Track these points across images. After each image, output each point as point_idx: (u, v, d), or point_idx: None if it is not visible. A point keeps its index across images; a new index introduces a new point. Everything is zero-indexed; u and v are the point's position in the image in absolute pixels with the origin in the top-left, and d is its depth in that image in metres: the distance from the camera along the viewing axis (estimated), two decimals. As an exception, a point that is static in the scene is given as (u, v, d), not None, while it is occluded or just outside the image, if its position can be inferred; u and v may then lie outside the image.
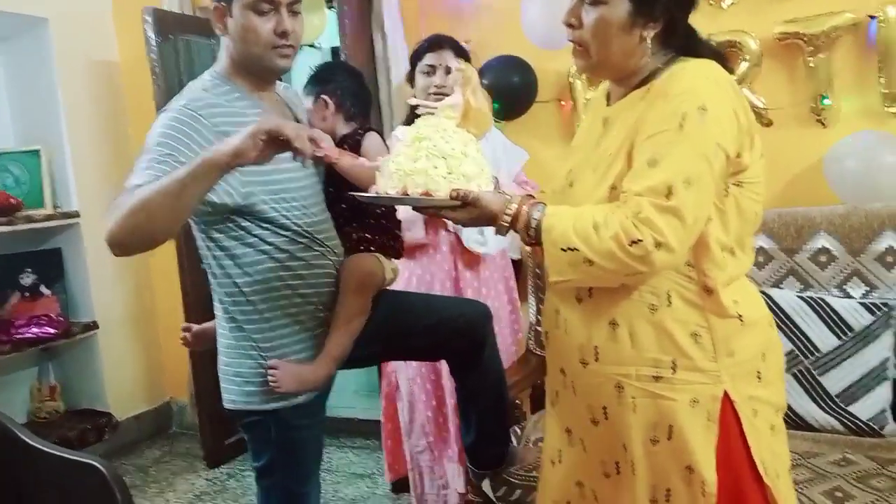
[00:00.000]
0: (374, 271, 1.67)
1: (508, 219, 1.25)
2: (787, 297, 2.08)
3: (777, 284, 2.17)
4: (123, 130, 3.53)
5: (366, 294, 1.65)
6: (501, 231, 1.27)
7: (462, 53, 2.28)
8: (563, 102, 2.76)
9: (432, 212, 1.32)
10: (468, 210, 1.26)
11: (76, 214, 3.30)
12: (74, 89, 3.32)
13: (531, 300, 2.52)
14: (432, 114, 1.38)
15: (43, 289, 3.29)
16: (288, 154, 1.45)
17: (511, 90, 2.68)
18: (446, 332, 1.78)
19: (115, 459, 3.35)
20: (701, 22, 1.31)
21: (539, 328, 2.39)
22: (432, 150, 1.28)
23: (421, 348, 1.85)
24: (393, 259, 1.77)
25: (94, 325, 3.35)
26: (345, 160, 1.53)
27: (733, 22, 2.45)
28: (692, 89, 1.17)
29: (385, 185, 1.31)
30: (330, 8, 2.85)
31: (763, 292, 2.02)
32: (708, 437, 1.22)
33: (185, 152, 1.36)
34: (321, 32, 2.97)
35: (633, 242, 1.12)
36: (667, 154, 1.14)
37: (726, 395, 1.23)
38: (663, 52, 1.27)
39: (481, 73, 2.68)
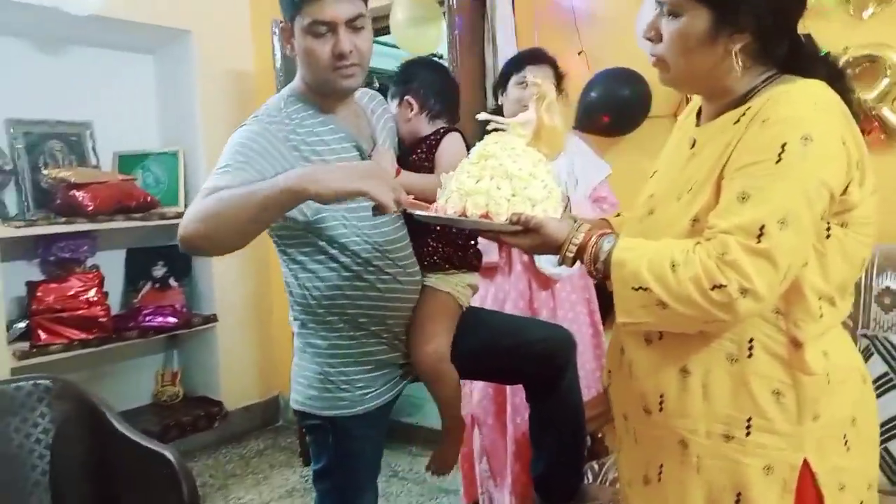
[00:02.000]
0: (448, 311, 1.67)
1: (574, 249, 1.18)
2: None
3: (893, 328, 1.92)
4: (253, 135, 3.71)
5: (448, 331, 1.66)
6: (567, 262, 1.20)
7: (560, 73, 2.27)
8: (679, 117, 2.57)
9: (491, 236, 1.27)
10: (530, 236, 1.20)
11: (204, 213, 3.51)
12: (211, 96, 3.56)
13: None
14: (503, 130, 1.33)
15: (172, 281, 3.54)
16: None
17: (622, 103, 2.57)
18: (527, 356, 1.73)
19: (221, 447, 3.56)
20: (838, 34, 1.19)
21: None
22: (497, 170, 1.23)
23: (499, 369, 1.80)
24: (472, 273, 1.74)
25: (213, 318, 3.57)
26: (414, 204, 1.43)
27: (874, 34, 2.19)
28: (795, 116, 1.04)
29: (444, 204, 1.27)
30: (446, 19, 2.86)
31: (887, 340, 1.86)
32: None
33: (261, 162, 1.38)
34: (437, 44, 2.98)
35: (716, 287, 1.02)
36: (761, 189, 1.03)
37: (807, 464, 1.10)
38: (763, 69, 1.14)
39: (591, 84, 2.62)
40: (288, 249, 1.53)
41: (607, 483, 1.98)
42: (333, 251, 1.50)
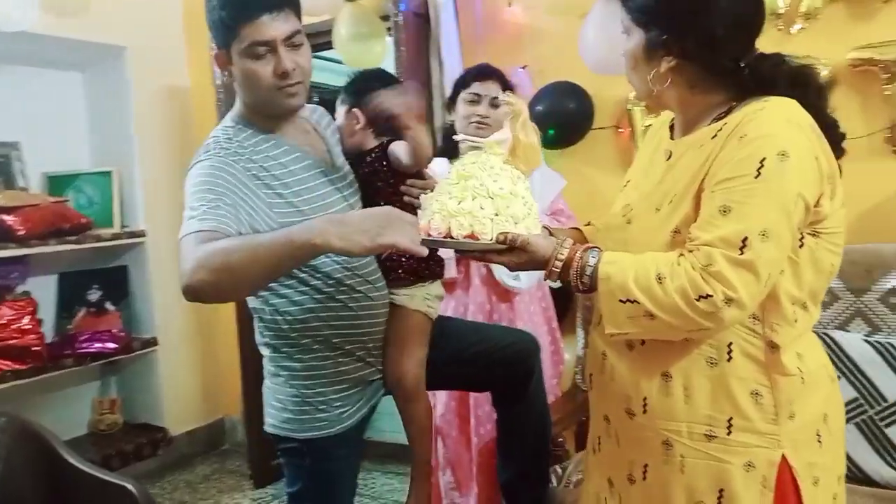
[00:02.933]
0: (420, 331, 1.69)
1: (560, 264, 1.20)
2: (853, 340, 1.97)
3: (842, 327, 2.06)
4: (191, 153, 3.60)
5: (423, 351, 1.68)
6: (552, 277, 1.22)
7: (508, 87, 2.25)
8: (620, 129, 2.71)
9: (477, 255, 1.27)
10: (517, 254, 1.22)
11: (142, 234, 3.43)
12: (147, 114, 3.47)
13: (579, 333, 2.46)
14: (479, 149, 1.33)
15: (108, 305, 3.42)
16: (330, 192, 1.54)
17: (567, 116, 2.66)
18: (495, 362, 1.75)
19: (167, 474, 3.45)
20: (768, 49, 1.23)
21: None
22: (479, 190, 1.23)
23: (468, 377, 1.82)
24: (436, 282, 1.75)
25: (153, 342, 3.46)
26: None
27: (803, 48, 2.29)
28: (771, 133, 1.10)
29: (427, 225, 1.27)
30: (391, 35, 2.89)
31: (826, 335, 1.97)
32: None
33: (231, 197, 1.36)
34: (381, 59, 2.99)
35: (702, 297, 1.06)
36: (742, 202, 1.08)
37: (785, 460, 1.15)
38: (725, 86, 1.20)
39: (537, 98, 2.69)
40: None
41: (571, 486, 2.01)
42: (304, 274, 1.49)
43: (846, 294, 2.07)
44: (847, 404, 1.69)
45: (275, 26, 1.39)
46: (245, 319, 3.20)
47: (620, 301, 1.12)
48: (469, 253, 1.27)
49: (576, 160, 2.71)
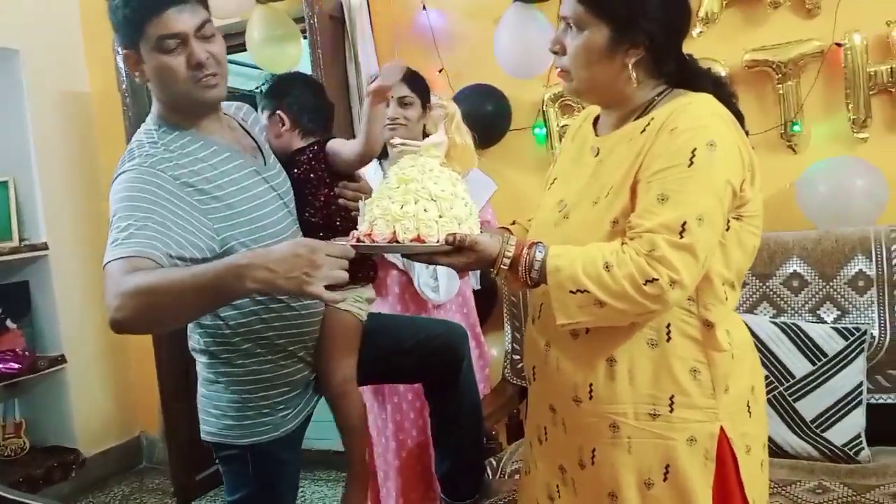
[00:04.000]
0: (350, 331, 1.69)
1: (508, 262, 1.22)
2: (761, 323, 2.09)
3: (751, 310, 2.18)
4: (94, 161, 3.52)
5: (353, 350, 1.69)
6: (500, 275, 1.25)
7: (418, 86, 2.19)
8: (536, 130, 2.78)
9: (424, 258, 1.27)
10: (465, 255, 1.22)
11: (44, 247, 3.28)
12: (44, 120, 3.32)
13: (506, 328, 2.52)
14: (414, 153, 1.34)
15: (9, 323, 3.25)
16: (265, 190, 1.52)
17: (485, 118, 2.69)
18: (428, 352, 1.78)
19: (81, 497, 3.31)
20: None
21: (516, 356, 2.44)
22: (421, 193, 1.24)
23: (401, 368, 1.83)
24: (367, 286, 1.76)
25: (61, 360, 3.31)
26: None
27: (702, 50, 2.40)
28: (700, 125, 1.16)
29: (369, 231, 1.26)
30: (306, 38, 2.87)
31: None
32: (706, 477, 1.21)
33: (160, 212, 1.32)
34: (297, 62, 2.97)
35: (649, 281, 1.11)
36: (678, 190, 1.13)
37: (723, 432, 1.21)
38: (657, 82, 1.26)
39: (456, 101, 2.64)
40: None
41: (506, 476, 2.07)
42: None
43: (752, 280, 2.19)
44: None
45: (183, 19, 1.37)
46: (161, 333, 3.11)
47: (571, 292, 1.16)
48: (416, 256, 1.28)
49: (496, 161, 2.75)
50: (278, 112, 1.70)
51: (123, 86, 3.12)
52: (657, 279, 1.11)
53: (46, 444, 3.36)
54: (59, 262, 3.29)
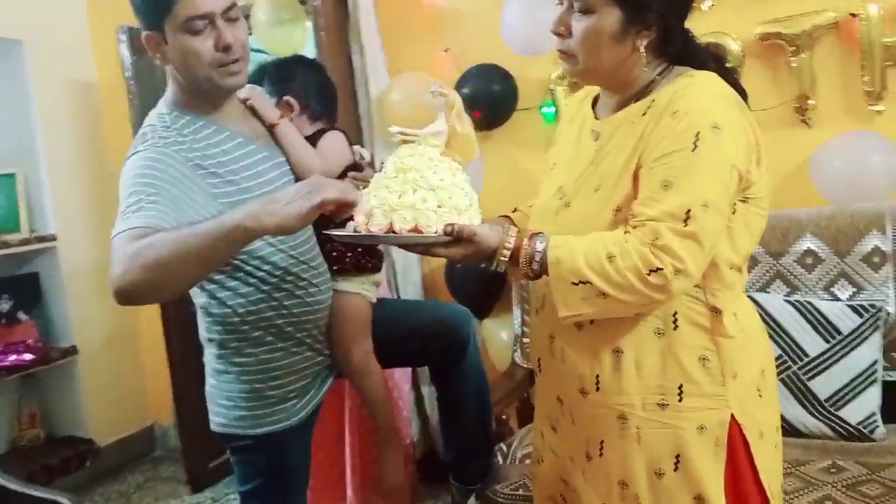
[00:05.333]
0: (363, 312, 1.74)
1: (508, 253, 1.21)
2: (774, 301, 2.09)
3: (763, 289, 2.18)
4: (101, 151, 3.54)
5: (366, 330, 1.73)
6: (500, 266, 1.23)
7: None
8: (544, 109, 2.75)
9: (421, 249, 1.27)
10: (463, 246, 1.21)
11: (53, 238, 3.30)
12: (51, 111, 3.33)
13: (515, 311, 2.52)
14: (413, 141, 1.33)
15: (21, 315, 3.28)
16: (277, 176, 1.52)
17: (492, 98, 2.69)
18: (428, 335, 1.80)
19: (97, 486, 3.35)
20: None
21: (526, 340, 2.43)
22: (419, 182, 1.23)
23: (404, 352, 1.86)
24: (374, 274, 1.80)
25: (73, 350, 3.35)
26: None
27: (713, 24, 2.45)
28: (703, 107, 1.15)
29: (366, 222, 1.25)
30: (310, 20, 2.87)
31: (749, 297, 2.05)
32: (716, 465, 1.21)
33: (172, 191, 1.33)
34: (303, 46, 2.97)
35: (653, 271, 1.10)
36: (682, 176, 1.12)
37: (733, 418, 1.21)
38: (658, 62, 1.24)
39: (462, 81, 2.72)
40: None
41: (517, 462, 2.07)
42: (251, 266, 1.48)
43: (766, 258, 2.18)
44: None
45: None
46: (171, 321, 3.17)
47: (573, 283, 1.15)
48: (414, 247, 1.27)
49: (503, 142, 2.75)
50: (286, 98, 1.71)
51: (127, 73, 3.12)
52: (661, 269, 1.10)
53: (61, 434, 3.41)
54: (69, 253, 3.32)
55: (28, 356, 3.14)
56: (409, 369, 2.49)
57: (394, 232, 1.22)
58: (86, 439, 3.36)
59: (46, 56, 3.30)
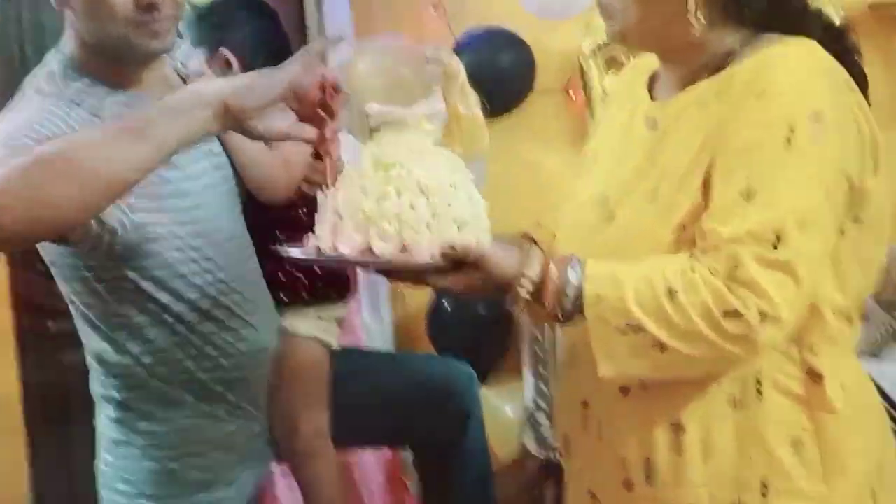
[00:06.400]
0: (318, 366, 1.62)
1: (530, 286, 1.09)
2: (890, 372, 1.91)
3: (874, 354, 2.10)
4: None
5: (322, 392, 1.63)
6: (518, 304, 1.12)
7: None
8: (571, 93, 2.57)
9: (409, 277, 1.20)
10: (467, 274, 1.10)
11: None
12: None
13: (527, 375, 2.35)
14: (400, 126, 1.20)
15: None
16: (205, 162, 1.45)
17: (498, 75, 2.42)
18: (416, 403, 1.73)
19: None
20: None
21: (541, 421, 2.32)
22: (406, 182, 1.12)
23: (377, 428, 1.78)
24: (339, 303, 1.72)
25: None
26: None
27: None
28: (800, 87, 1.06)
29: (332, 238, 1.15)
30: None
31: None
32: None
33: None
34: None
35: (730, 314, 1.00)
36: (770, 180, 1.04)
37: None
38: (738, 26, 1.15)
39: (456, 50, 2.44)
40: (93, 311, 1.40)
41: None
42: (163, 295, 1.38)
43: (877, 311, 2.10)
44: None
45: None
46: (31, 366, 2.59)
47: (618, 330, 1.06)
48: (398, 274, 1.22)
49: (511, 134, 2.52)
50: (222, 50, 1.64)
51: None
52: (741, 312, 1.00)
53: None
54: None
55: None
56: (384, 452, 2.33)
57: (371, 252, 1.12)
58: None
59: None
